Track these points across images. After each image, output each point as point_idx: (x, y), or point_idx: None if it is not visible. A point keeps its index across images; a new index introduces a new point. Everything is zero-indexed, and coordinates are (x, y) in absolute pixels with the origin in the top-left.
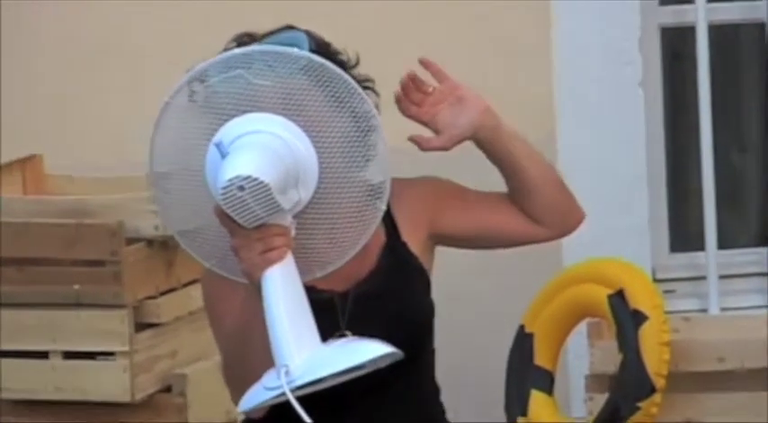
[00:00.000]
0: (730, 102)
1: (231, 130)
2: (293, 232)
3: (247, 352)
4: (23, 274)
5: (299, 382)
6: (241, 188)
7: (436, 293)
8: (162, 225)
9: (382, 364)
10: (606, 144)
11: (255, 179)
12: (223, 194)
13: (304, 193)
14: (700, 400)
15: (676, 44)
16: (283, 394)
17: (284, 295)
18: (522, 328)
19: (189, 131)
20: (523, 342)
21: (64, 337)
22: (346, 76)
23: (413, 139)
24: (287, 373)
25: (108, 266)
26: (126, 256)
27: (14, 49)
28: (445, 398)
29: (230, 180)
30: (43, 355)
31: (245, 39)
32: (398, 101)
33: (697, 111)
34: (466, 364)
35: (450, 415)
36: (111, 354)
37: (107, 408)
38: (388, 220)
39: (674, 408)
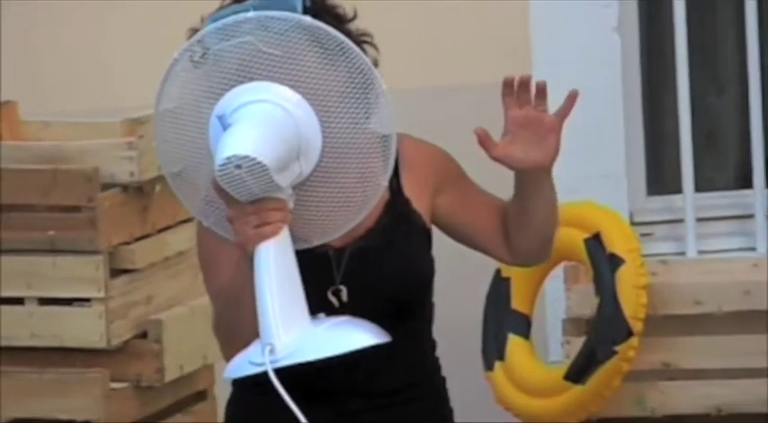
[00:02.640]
0: (707, 44)
1: (234, 99)
2: (291, 204)
3: (238, 313)
4: None
5: (283, 363)
6: (238, 167)
7: None
8: (137, 171)
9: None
10: (582, 88)
11: (253, 159)
12: (220, 171)
13: (305, 166)
14: (677, 344)
15: None
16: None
17: (276, 271)
18: (498, 272)
19: (196, 87)
20: (500, 286)
21: (39, 283)
22: (336, 33)
23: (482, 135)
24: (272, 351)
25: (83, 212)
26: (101, 202)
27: None
28: None
29: (228, 158)
30: (19, 301)
31: None
32: (506, 85)
33: (673, 53)
34: (442, 310)
35: None
36: (86, 300)
37: (83, 354)
38: (394, 178)
39: (651, 351)
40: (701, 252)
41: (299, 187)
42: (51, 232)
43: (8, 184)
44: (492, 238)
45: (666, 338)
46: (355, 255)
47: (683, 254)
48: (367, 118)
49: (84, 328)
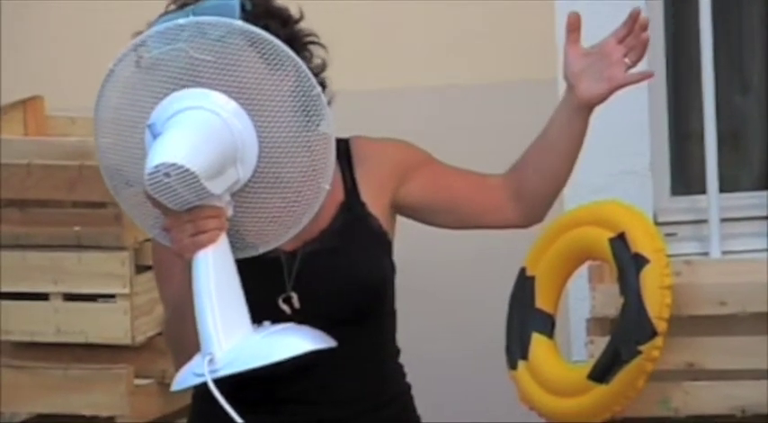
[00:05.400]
0: (732, 43)
1: (166, 107)
2: (230, 211)
3: (183, 325)
4: (24, 216)
5: (223, 373)
6: (167, 175)
7: (438, 235)
8: None
9: (314, 349)
10: None
11: (181, 167)
12: (149, 180)
13: (243, 172)
14: (701, 344)
15: None
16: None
17: (215, 280)
18: (523, 270)
19: (134, 94)
20: (525, 285)
21: (65, 278)
22: (270, 37)
23: (573, 21)
24: (211, 361)
25: (109, 208)
26: None
27: None
28: (447, 339)
29: (156, 167)
30: (44, 296)
31: None
32: (631, 17)
33: (699, 52)
34: (467, 307)
35: (450, 358)
36: (111, 296)
37: (107, 350)
38: (349, 179)
39: (676, 351)
40: (724, 252)
41: (239, 193)
42: (77, 228)
43: (34, 179)
44: (484, 203)
45: (691, 339)
46: (307, 258)
47: (706, 254)
48: (306, 121)
49: (109, 325)
